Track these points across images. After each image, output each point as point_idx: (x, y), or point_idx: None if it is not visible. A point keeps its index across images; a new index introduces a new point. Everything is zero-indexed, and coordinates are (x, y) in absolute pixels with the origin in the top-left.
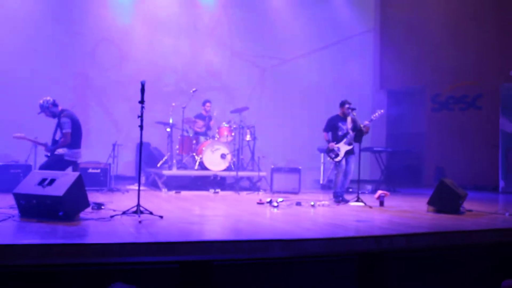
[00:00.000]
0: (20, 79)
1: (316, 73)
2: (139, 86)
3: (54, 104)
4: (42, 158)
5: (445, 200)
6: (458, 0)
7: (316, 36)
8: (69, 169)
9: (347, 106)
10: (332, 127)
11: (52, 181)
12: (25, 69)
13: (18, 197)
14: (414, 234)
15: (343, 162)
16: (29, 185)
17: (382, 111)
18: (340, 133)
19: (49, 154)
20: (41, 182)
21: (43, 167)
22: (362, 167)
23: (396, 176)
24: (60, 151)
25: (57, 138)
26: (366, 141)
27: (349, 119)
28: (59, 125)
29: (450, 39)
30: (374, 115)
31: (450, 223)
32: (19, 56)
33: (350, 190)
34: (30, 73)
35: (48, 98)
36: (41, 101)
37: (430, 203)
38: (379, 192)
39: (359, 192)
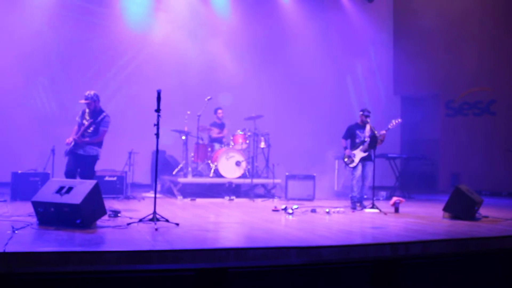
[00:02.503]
0: (38, 90)
1: (330, 80)
2: (155, 95)
3: (99, 99)
4: (60, 167)
5: (460, 206)
6: (472, 6)
7: (330, 44)
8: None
9: (360, 113)
10: (351, 134)
11: (69, 189)
12: (45, 80)
13: (37, 205)
14: (430, 241)
15: (359, 168)
16: (47, 193)
17: (399, 120)
18: (357, 140)
19: (72, 148)
20: (59, 190)
21: (86, 172)
22: (377, 173)
23: (411, 182)
24: (94, 151)
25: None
26: (380, 147)
27: (368, 126)
28: (100, 121)
29: (463, 45)
30: (391, 124)
31: (466, 230)
32: (39, 69)
33: (365, 196)
34: (49, 82)
35: (94, 91)
36: (91, 92)
37: (445, 209)
38: (394, 198)
39: (374, 198)
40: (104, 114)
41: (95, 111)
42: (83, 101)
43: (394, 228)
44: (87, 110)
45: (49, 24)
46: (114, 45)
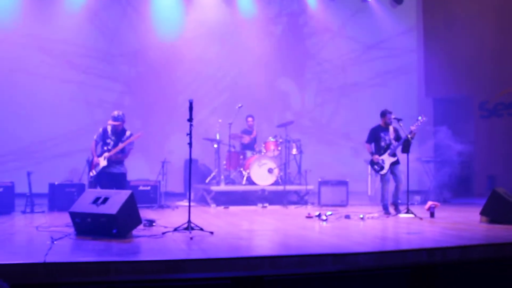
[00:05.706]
0: (71, 103)
1: (361, 84)
2: (187, 104)
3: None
4: None
5: (498, 210)
6: (503, 5)
7: (359, 46)
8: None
9: (388, 116)
10: (375, 138)
11: (105, 199)
12: (71, 89)
13: (74, 215)
14: (468, 246)
15: (389, 173)
16: (84, 204)
17: (424, 118)
18: (382, 143)
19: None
20: (95, 201)
21: (123, 189)
22: (410, 177)
23: (445, 186)
24: (124, 169)
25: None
26: (413, 150)
27: (391, 128)
28: (125, 140)
29: (495, 45)
30: (417, 123)
31: (505, 234)
32: (71, 82)
33: (399, 201)
34: (82, 95)
35: (122, 111)
36: (120, 113)
37: (483, 213)
38: (429, 203)
39: (409, 203)
40: (129, 133)
41: (122, 128)
42: (113, 122)
43: (430, 233)
44: (109, 128)
45: (78, 35)
46: (144, 53)
